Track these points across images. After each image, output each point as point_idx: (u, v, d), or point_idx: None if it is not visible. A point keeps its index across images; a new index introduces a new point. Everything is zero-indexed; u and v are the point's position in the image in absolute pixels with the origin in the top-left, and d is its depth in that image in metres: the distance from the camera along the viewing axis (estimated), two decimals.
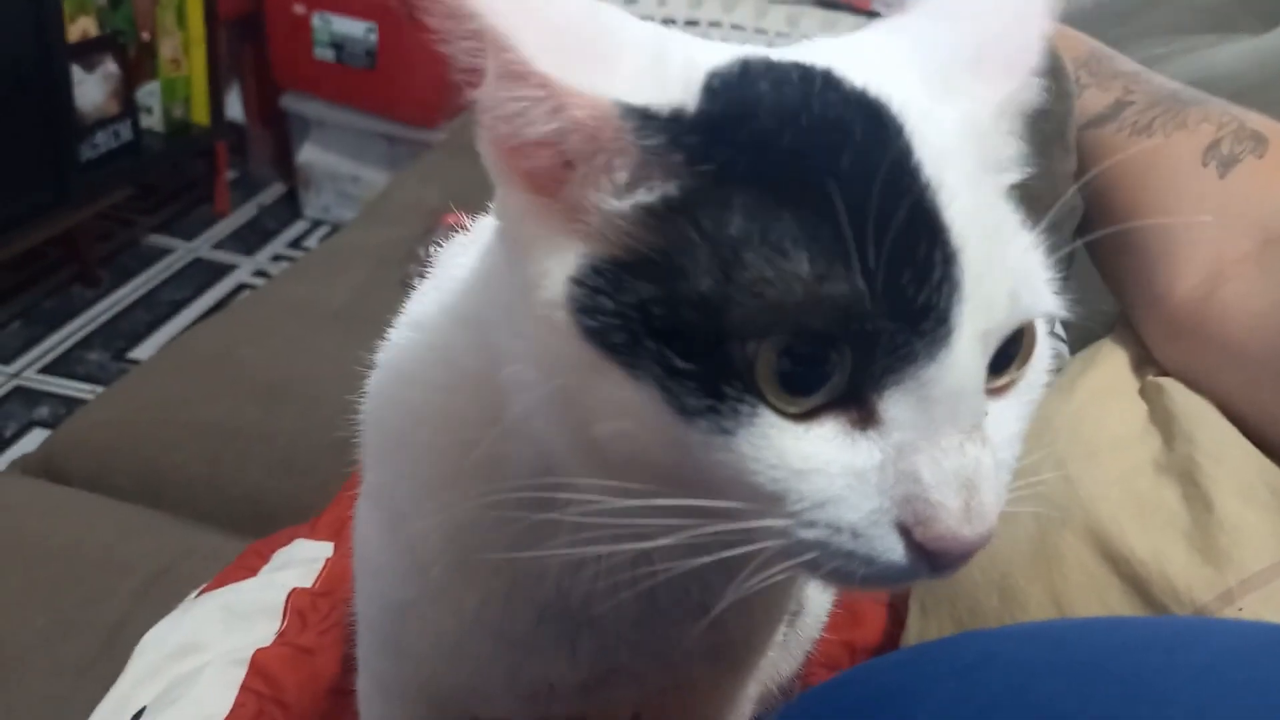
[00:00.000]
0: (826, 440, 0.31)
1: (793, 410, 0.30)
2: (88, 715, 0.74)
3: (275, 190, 2.75)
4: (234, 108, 2.70)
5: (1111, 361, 0.73)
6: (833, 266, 0.29)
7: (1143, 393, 0.70)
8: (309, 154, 2.60)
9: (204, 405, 1.09)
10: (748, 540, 0.31)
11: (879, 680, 0.36)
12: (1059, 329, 0.93)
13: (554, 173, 0.32)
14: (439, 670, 0.49)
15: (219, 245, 2.50)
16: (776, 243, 0.30)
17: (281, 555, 0.85)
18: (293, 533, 0.89)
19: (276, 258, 2.49)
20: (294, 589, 0.79)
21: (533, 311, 0.33)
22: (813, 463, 0.31)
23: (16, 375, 1.98)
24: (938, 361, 0.30)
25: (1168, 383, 0.68)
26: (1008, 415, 0.34)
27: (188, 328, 2.13)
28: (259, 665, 0.73)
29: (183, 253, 2.44)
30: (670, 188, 0.31)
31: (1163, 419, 0.66)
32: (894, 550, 0.31)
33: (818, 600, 0.64)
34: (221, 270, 2.40)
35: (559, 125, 0.31)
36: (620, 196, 0.31)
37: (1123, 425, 0.67)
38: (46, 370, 2.00)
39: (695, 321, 0.30)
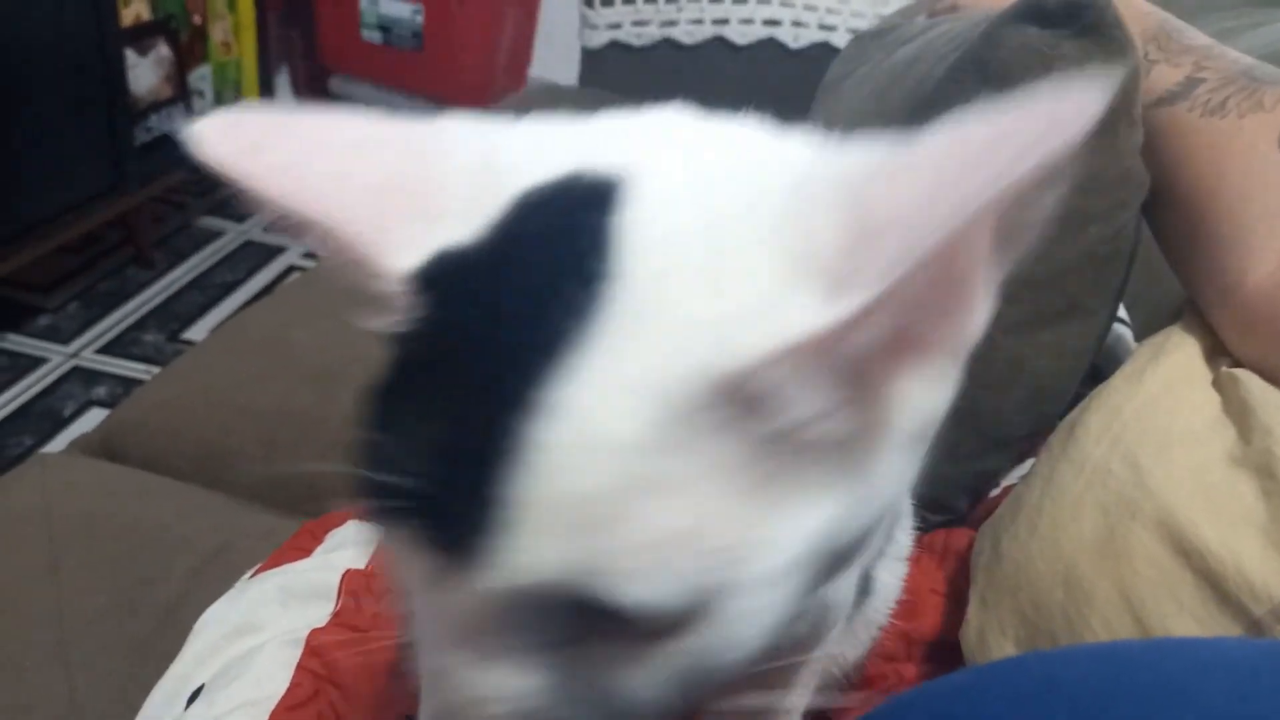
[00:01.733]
0: None
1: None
2: (147, 691, 0.76)
3: None
4: (283, 91, 2.72)
5: (1182, 350, 0.71)
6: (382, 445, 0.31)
7: (1216, 384, 0.68)
8: None
9: (258, 387, 1.10)
10: None
11: (935, 708, 0.35)
12: (1123, 313, 0.91)
13: None
14: None
15: (269, 227, 2.52)
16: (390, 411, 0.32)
17: (335, 536, 0.86)
18: (346, 514, 0.89)
19: None
20: (348, 570, 0.79)
21: None
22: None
23: (75, 355, 2.02)
24: (461, 574, 0.30)
25: (1243, 374, 0.66)
26: (636, 663, 0.32)
27: (240, 309, 2.16)
28: (314, 645, 0.73)
29: (234, 235, 2.47)
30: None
31: (1238, 411, 0.64)
32: None
33: (887, 583, 0.63)
34: (272, 252, 2.43)
35: None
36: None
37: (1196, 417, 0.65)
38: (103, 351, 2.04)
39: None
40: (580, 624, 0.30)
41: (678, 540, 0.28)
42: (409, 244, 0.32)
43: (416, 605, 0.32)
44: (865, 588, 0.58)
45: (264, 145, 0.33)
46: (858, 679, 0.69)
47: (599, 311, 0.29)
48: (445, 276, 0.31)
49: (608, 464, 0.28)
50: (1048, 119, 0.27)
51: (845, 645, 0.63)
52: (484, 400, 0.28)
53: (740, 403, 0.28)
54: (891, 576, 0.64)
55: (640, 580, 0.28)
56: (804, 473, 0.30)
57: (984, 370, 0.78)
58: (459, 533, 0.28)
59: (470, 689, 0.31)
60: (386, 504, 0.29)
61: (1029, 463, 0.82)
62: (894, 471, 0.32)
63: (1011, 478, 0.83)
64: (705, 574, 0.29)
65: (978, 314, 0.32)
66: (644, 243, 0.30)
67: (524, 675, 0.31)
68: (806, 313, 0.28)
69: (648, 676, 0.31)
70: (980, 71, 0.75)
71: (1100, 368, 0.87)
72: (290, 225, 0.33)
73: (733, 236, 0.30)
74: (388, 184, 0.33)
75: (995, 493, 0.82)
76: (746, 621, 0.30)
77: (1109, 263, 0.78)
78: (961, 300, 0.31)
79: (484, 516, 0.28)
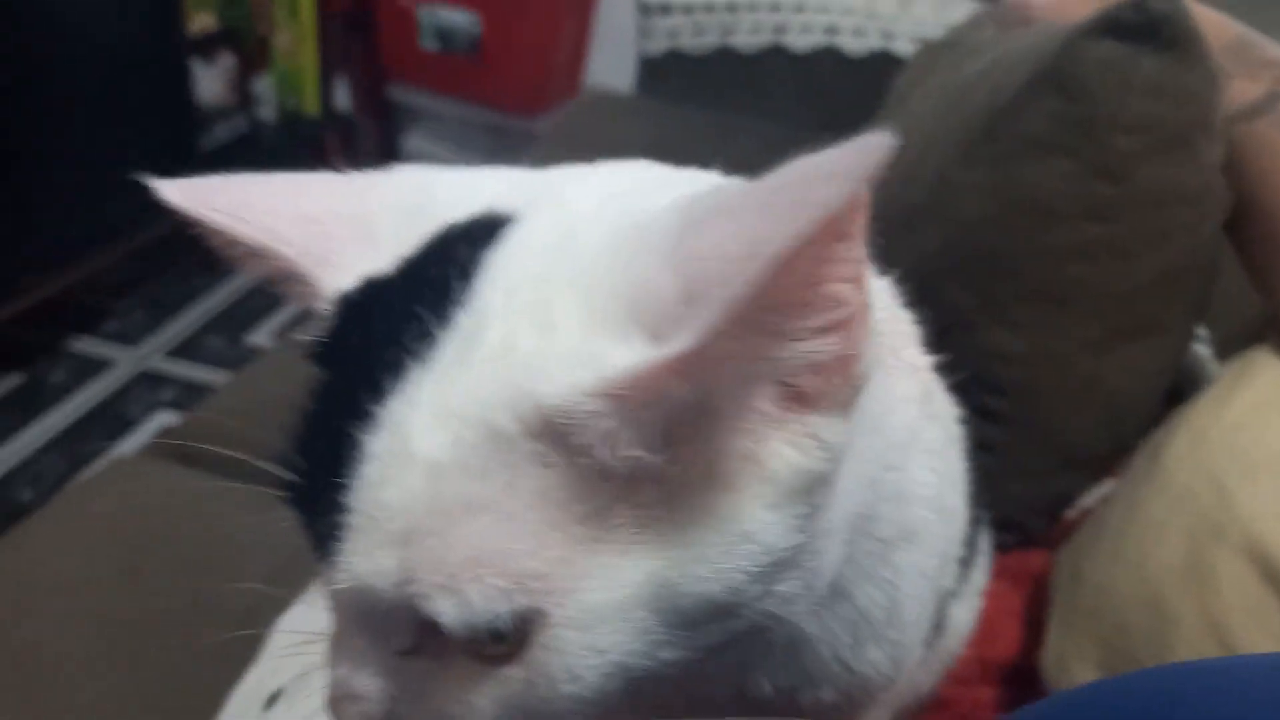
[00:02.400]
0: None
1: None
2: (225, 687, 0.77)
3: None
4: (342, 99, 2.76)
5: (1269, 373, 0.69)
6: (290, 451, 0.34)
7: None
8: (414, 144, 2.65)
9: None
10: None
11: None
12: (1202, 333, 0.89)
13: None
14: None
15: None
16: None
17: None
18: None
19: None
20: None
21: None
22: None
23: (142, 359, 2.07)
24: (327, 569, 0.32)
25: None
26: (475, 684, 0.33)
27: (309, 312, 2.20)
28: None
29: None
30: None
31: None
32: None
33: (960, 618, 0.62)
34: None
35: None
36: None
37: None
38: (170, 355, 2.09)
39: None
40: (418, 636, 0.32)
41: (489, 561, 0.30)
42: (346, 266, 0.35)
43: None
44: (940, 625, 0.58)
45: (217, 191, 0.37)
46: (931, 703, 0.68)
47: (441, 338, 0.31)
48: (357, 298, 0.34)
49: (419, 480, 0.30)
50: (840, 164, 0.27)
51: (921, 676, 0.63)
52: (344, 412, 0.31)
53: (558, 438, 0.29)
54: (967, 612, 0.63)
55: (452, 596, 0.30)
56: (639, 515, 0.30)
57: (1058, 388, 0.78)
58: (323, 535, 0.32)
59: (334, 682, 0.33)
60: (290, 506, 0.34)
61: (1106, 484, 0.81)
62: (773, 527, 0.31)
63: (1088, 500, 0.81)
64: (519, 598, 0.30)
65: (857, 363, 0.31)
66: (496, 279, 0.32)
67: (373, 679, 0.33)
68: (626, 357, 0.29)
69: (482, 700, 0.32)
70: (1057, 86, 0.74)
71: (1179, 389, 0.86)
72: (241, 255, 0.37)
73: (574, 281, 0.31)
74: (329, 216, 0.36)
75: (1071, 514, 0.81)
76: (576, 657, 0.31)
77: (1188, 279, 0.77)
78: (825, 350, 0.30)
79: (336, 521, 0.31)
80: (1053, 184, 0.74)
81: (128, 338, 2.12)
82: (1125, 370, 0.76)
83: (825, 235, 0.27)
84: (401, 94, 2.63)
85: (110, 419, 1.90)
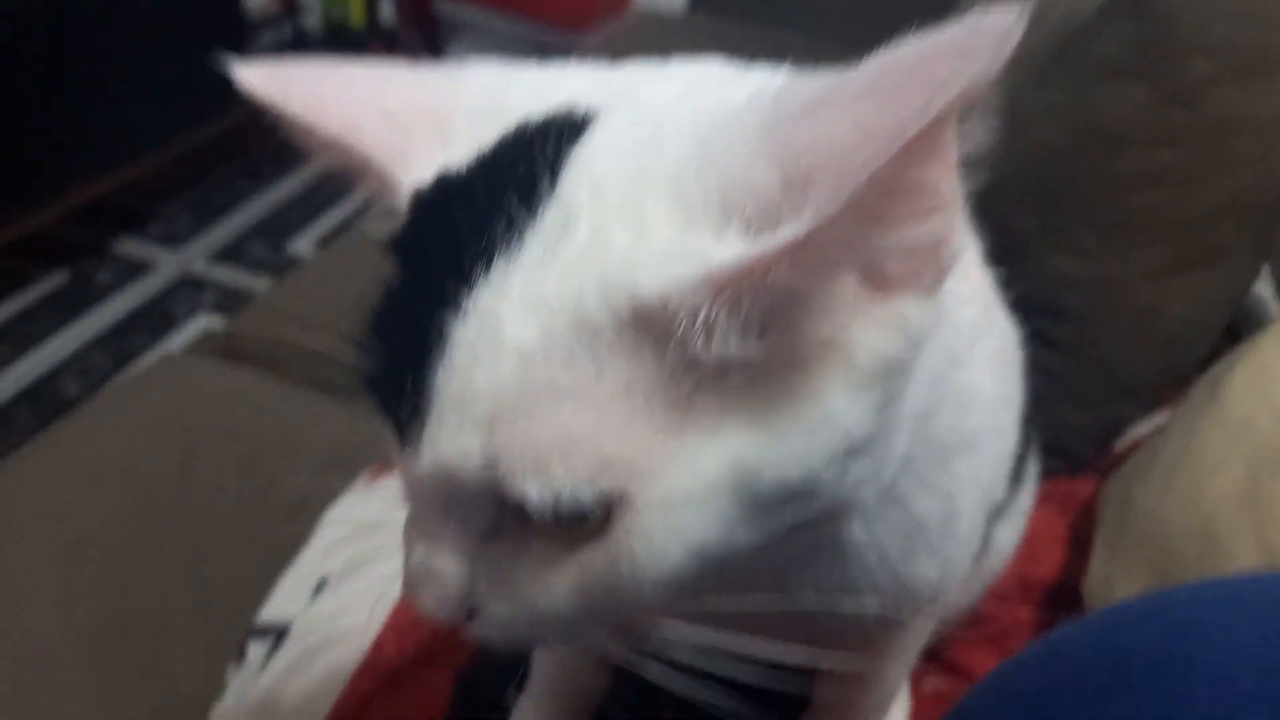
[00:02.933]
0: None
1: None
2: (274, 574, 0.79)
3: None
4: (387, 11, 2.73)
5: None
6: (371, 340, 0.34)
7: None
8: (459, 58, 2.61)
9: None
10: None
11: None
12: (1266, 269, 0.87)
13: None
14: None
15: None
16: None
17: None
18: None
19: None
20: None
21: None
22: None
23: (186, 262, 2.09)
24: (408, 454, 0.32)
25: None
26: (555, 567, 0.33)
27: (352, 223, 2.21)
28: None
29: None
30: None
31: None
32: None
33: (1004, 538, 0.62)
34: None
35: None
36: None
37: None
38: (213, 259, 2.10)
39: None
40: (499, 520, 0.32)
41: (575, 444, 0.30)
42: (423, 162, 0.35)
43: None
44: (982, 547, 0.58)
45: (296, 79, 0.37)
46: (969, 618, 0.69)
47: (528, 232, 0.31)
48: (435, 192, 0.34)
49: (508, 366, 0.30)
50: (967, 42, 0.26)
51: (961, 593, 0.63)
52: (428, 301, 0.31)
53: (651, 330, 0.30)
54: (1011, 533, 0.63)
55: (538, 477, 0.30)
56: (723, 402, 0.31)
57: (1118, 316, 0.77)
58: (405, 420, 0.32)
59: (412, 566, 0.34)
60: (368, 393, 0.33)
61: (1158, 415, 0.80)
62: (851, 412, 0.31)
63: (1139, 429, 0.81)
64: (604, 481, 0.30)
65: (947, 248, 0.31)
66: (581, 175, 0.32)
67: (452, 562, 0.33)
68: (726, 250, 0.29)
69: (561, 584, 0.33)
70: (1134, 10, 0.72)
71: (1237, 327, 0.84)
72: (316, 144, 0.37)
73: (662, 176, 0.31)
74: (407, 111, 0.36)
75: (1121, 443, 0.81)
76: (657, 540, 0.31)
77: (1255, 210, 0.75)
78: (920, 235, 0.30)
79: (418, 405, 0.31)
80: (1124, 109, 0.72)
81: (172, 240, 2.14)
82: (1187, 300, 0.75)
83: (948, 117, 0.27)
84: (446, 7, 2.59)
85: (154, 319, 1.93)
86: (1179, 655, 0.31)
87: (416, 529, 0.34)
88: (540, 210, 0.32)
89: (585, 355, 0.30)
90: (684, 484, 0.31)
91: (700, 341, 0.30)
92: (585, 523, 0.31)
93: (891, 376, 0.32)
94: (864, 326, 0.31)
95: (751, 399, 0.31)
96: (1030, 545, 0.71)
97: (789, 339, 0.31)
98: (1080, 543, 0.71)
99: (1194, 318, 0.76)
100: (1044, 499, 0.76)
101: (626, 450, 0.30)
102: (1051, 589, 0.71)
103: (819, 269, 0.29)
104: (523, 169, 0.33)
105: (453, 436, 0.31)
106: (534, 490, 0.30)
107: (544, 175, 0.32)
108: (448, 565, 0.33)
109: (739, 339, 0.30)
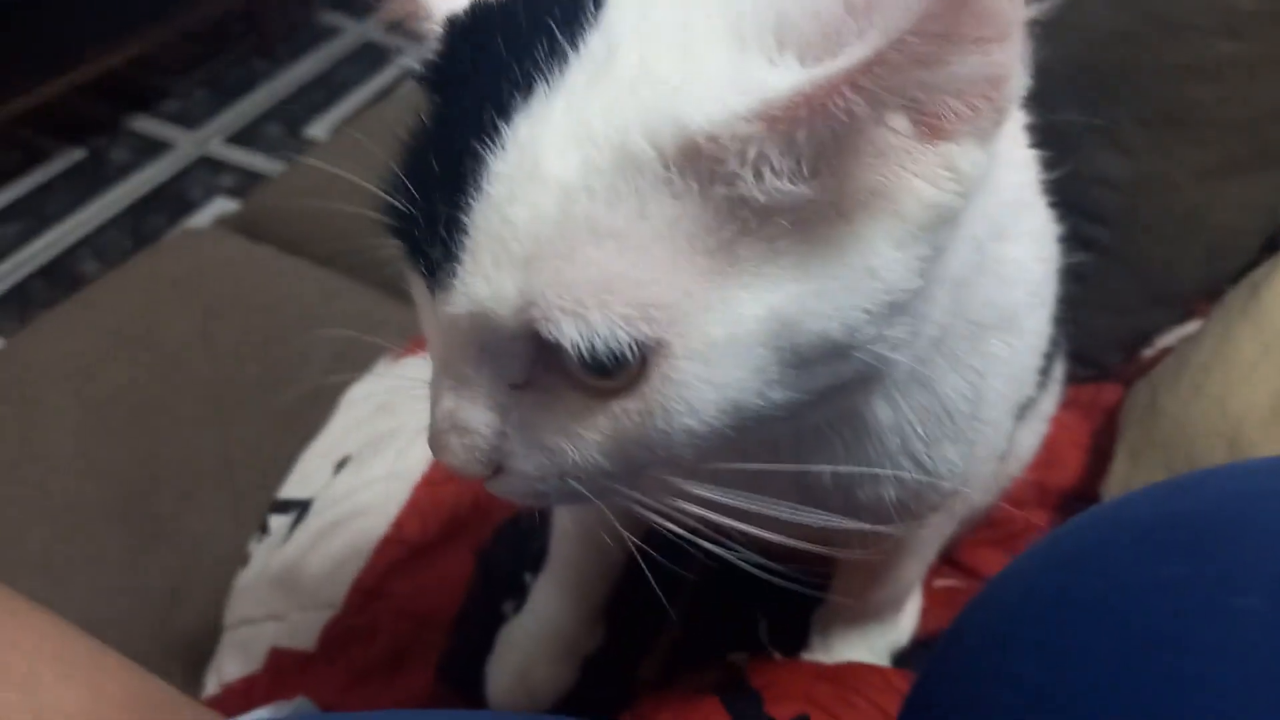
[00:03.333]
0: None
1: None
2: (293, 452, 0.80)
3: None
4: None
5: None
6: (397, 180, 0.32)
7: None
8: None
9: None
10: None
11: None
12: None
13: None
14: None
15: (390, 27, 2.49)
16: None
17: None
18: None
19: None
20: None
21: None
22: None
23: (202, 142, 2.06)
24: (439, 298, 0.31)
25: None
26: (586, 418, 0.32)
27: (367, 106, 2.17)
28: None
29: (353, 34, 2.45)
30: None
31: None
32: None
33: (1024, 442, 0.62)
34: (389, 54, 2.40)
35: None
36: None
37: None
38: (229, 140, 2.07)
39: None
40: (531, 369, 0.32)
41: (615, 287, 0.29)
42: None
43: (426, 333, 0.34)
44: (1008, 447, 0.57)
45: None
46: (983, 520, 0.69)
47: (571, 59, 0.29)
48: (471, 18, 0.33)
49: (548, 200, 0.29)
50: None
51: (975, 494, 0.63)
52: (464, 133, 0.30)
53: (697, 166, 0.28)
54: (1031, 436, 0.62)
55: (576, 320, 0.29)
56: (767, 250, 0.30)
57: (1159, 219, 0.74)
58: (435, 258, 0.30)
59: (439, 416, 0.33)
60: (397, 233, 0.32)
61: (1188, 324, 0.79)
62: (897, 265, 0.30)
63: (1167, 339, 0.80)
64: (642, 326, 0.29)
65: (1006, 86, 0.29)
66: (625, 2, 0.30)
67: (482, 412, 0.32)
68: (782, 78, 0.27)
69: (592, 434, 0.32)
70: None
71: (1276, 236, 0.82)
72: None
73: (711, 3, 0.30)
74: None
75: (1149, 352, 0.80)
76: (694, 389, 0.30)
77: None
78: (982, 68, 0.28)
79: (451, 244, 0.30)
80: None
81: (187, 120, 2.11)
82: (1233, 204, 0.73)
83: None
84: None
85: (171, 199, 1.91)
86: (1239, 518, 0.31)
87: (445, 379, 0.33)
88: (584, 37, 0.30)
89: (628, 192, 0.29)
90: (723, 333, 0.30)
91: (749, 181, 0.28)
92: (620, 371, 0.30)
93: (939, 229, 0.31)
94: (915, 174, 0.30)
95: (796, 247, 0.30)
96: (1050, 451, 0.70)
97: (838, 184, 0.29)
98: (1101, 450, 0.71)
99: (1238, 225, 0.74)
100: (1067, 404, 0.75)
101: (666, 295, 0.29)
102: (1069, 495, 0.71)
103: (878, 101, 0.28)
104: None
105: (489, 276, 0.29)
106: (571, 334, 0.29)
107: (585, 4, 0.31)
108: (477, 416, 0.32)
109: (789, 179, 0.28)
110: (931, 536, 0.56)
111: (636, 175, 0.29)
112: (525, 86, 0.30)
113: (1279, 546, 0.29)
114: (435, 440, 0.33)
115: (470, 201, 0.29)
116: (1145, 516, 0.34)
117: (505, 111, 0.29)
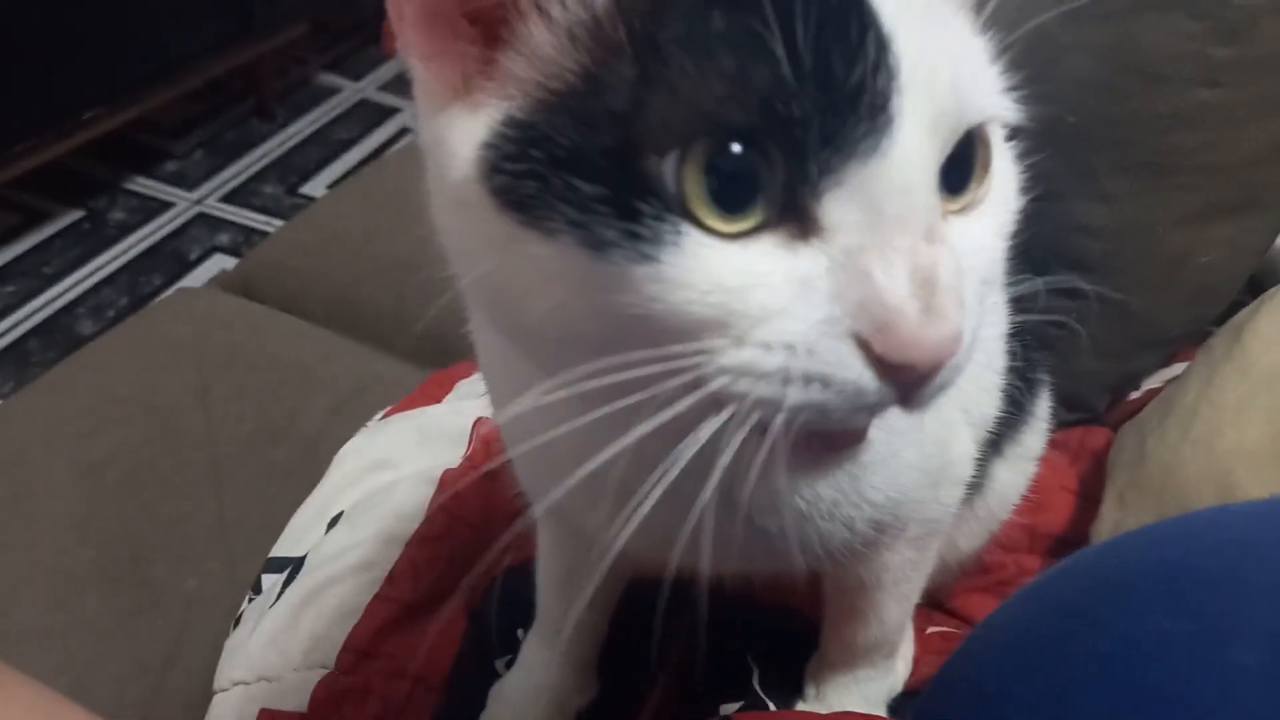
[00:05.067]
0: (764, 254, 0.28)
1: (732, 229, 0.28)
2: (289, 513, 0.80)
3: None
4: None
5: None
6: (755, 59, 0.27)
7: None
8: None
9: (388, 240, 1.12)
10: (718, 401, 0.29)
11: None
12: None
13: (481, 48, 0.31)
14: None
15: (384, 87, 2.53)
16: (703, 41, 0.27)
17: (465, 385, 0.88)
18: (472, 365, 0.91)
19: None
20: (480, 417, 0.82)
21: (446, 201, 0.32)
22: (750, 277, 0.28)
23: (199, 202, 2.08)
24: (880, 153, 0.28)
25: None
26: (975, 229, 0.32)
27: (362, 164, 2.20)
28: (448, 485, 0.76)
29: (350, 92, 2.49)
30: None
31: None
32: (852, 367, 0.28)
33: (1006, 480, 0.62)
34: (386, 113, 2.44)
35: None
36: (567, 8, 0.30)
37: None
38: (226, 199, 2.10)
39: (607, 140, 0.28)
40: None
41: (986, 70, 0.33)
42: None
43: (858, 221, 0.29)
44: (978, 485, 0.56)
45: None
46: (973, 567, 0.69)
47: None
48: None
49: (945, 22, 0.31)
50: None
51: (959, 536, 0.62)
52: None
53: None
54: (1014, 475, 0.62)
55: (998, 97, 0.32)
56: None
57: (1142, 264, 0.75)
58: (847, 126, 0.28)
59: (920, 280, 0.28)
60: (776, 117, 0.27)
61: (1174, 367, 0.80)
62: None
63: (1153, 381, 0.80)
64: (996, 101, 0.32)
65: None
66: None
67: (950, 252, 0.29)
68: None
69: (991, 238, 0.33)
70: None
71: (1258, 277, 0.83)
72: None
73: None
74: None
75: (1136, 395, 0.80)
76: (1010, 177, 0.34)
77: None
78: None
79: (877, 98, 0.28)
80: (1167, 43, 0.69)
81: (186, 180, 2.14)
82: (1216, 248, 0.74)
83: None
84: None
85: (169, 258, 1.93)
86: (1230, 569, 0.31)
87: (900, 240, 0.28)
88: None
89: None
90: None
91: None
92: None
93: None
94: None
95: None
96: (1039, 494, 0.70)
97: None
98: (1090, 495, 0.71)
99: (1221, 268, 0.75)
100: (1054, 447, 0.75)
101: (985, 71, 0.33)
102: (1059, 539, 0.71)
103: None
104: None
105: (932, 107, 0.28)
106: (1006, 110, 0.32)
107: None
108: (950, 261, 0.28)
109: None
110: (904, 571, 0.54)
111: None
112: None
113: (1271, 598, 0.29)
114: (915, 318, 0.28)
115: (884, 39, 0.28)
116: (1135, 565, 0.34)
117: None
